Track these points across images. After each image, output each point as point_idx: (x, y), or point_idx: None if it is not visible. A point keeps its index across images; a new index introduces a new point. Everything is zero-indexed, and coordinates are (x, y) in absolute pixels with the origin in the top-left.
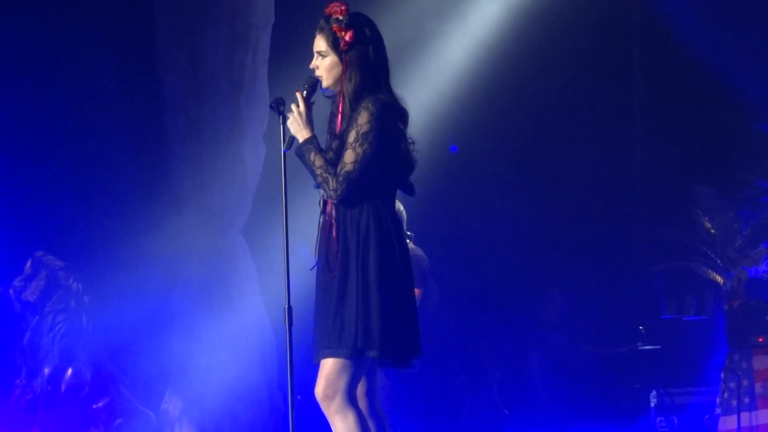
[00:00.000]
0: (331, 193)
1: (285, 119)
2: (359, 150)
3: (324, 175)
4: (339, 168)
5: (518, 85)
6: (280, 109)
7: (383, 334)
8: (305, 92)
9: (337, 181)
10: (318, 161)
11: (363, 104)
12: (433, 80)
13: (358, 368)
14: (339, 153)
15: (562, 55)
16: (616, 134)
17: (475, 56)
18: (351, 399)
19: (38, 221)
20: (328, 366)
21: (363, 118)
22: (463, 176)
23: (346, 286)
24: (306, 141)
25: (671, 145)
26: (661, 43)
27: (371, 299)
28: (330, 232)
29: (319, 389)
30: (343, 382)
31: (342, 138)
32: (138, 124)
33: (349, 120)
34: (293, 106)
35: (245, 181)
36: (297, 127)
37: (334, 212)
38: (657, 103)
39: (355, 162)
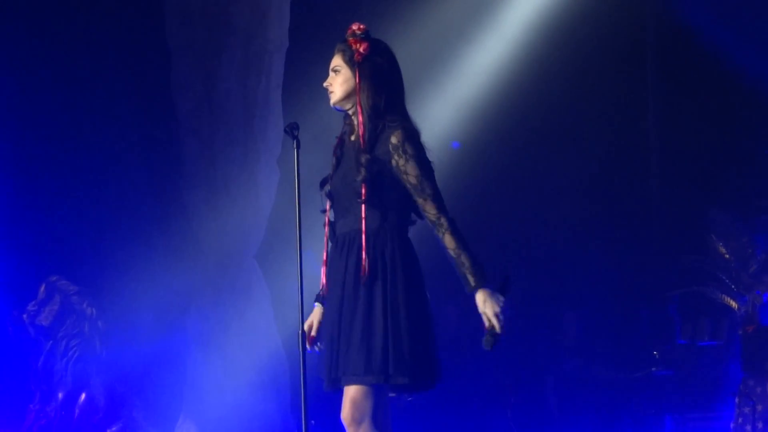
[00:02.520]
0: (447, 224)
1: (299, 144)
2: (428, 173)
3: (449, 225)
4: (433, 203)
5: (530, 113)
6: (294, 133)
7: (413, 360)
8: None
9: (445, 212)
10: (465, 253)
11: (398, 134)
12: (448, 95)
13: (383, 393)
14: (370, 169)
15: (576, 82)
16: (631, 160)
17: (491, 74)
18: (376, 423)
19: (52, 246)
20: (353, 390)
21: (411, 148)
22: (476, 197)
23: (373, 310)
24: (478, 282)
25: (686, 170)
26: (677, 66)
27: (401, 324)
28: (348, 258)
29: (346, 413)
30: (369, 407)
31: (370, 152)
32: (152, 149)
33: (373, 137)
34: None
35: (259, 206)
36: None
37: (344, 235)
38: (673, 127)
39: (433, 185)
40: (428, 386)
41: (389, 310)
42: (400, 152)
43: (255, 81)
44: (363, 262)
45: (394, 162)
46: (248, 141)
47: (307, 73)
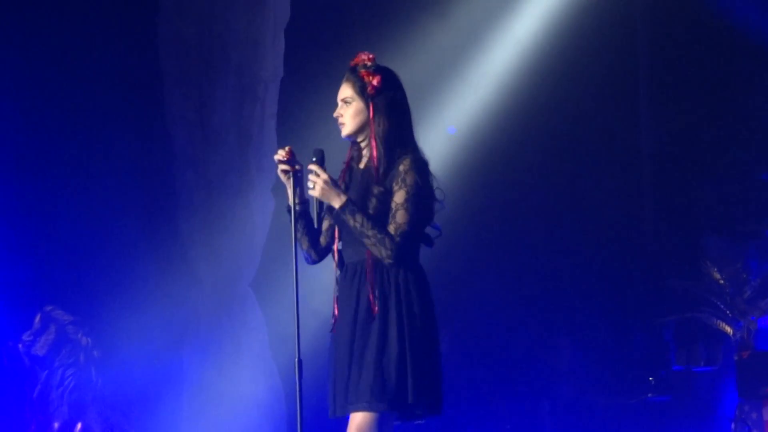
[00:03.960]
0: (388, 253)
1: (296, 174)
2: (412, 210)
3: (378, 236)
4: (393, 229)
5: (520, 141)
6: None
7: (429, 387)
8: (316, 163)
9: (393, 242)
10: (367, 222)
11: (405, 162)
12: (444, 111)
13: (389, 423)
14: (383, 200)
15: (569, 103)
16: (625, 185)
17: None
18: None
19: (47, 275)
20: (360, 418)
21: (410, 178)
22: (470, 224)
23: (387, 339)
24: (345, 204)
25: (680, 196)
26: (672, 88)
27: (417, 351)
28: (360, 288)
29: None
30: None
31: (383, 183)
32: (147, 178)
33: (386, 169)
34: (312, 177)
35: (254, 234)
36: (328, 193)
37: (354, 265)
38: (666, 152)
39: (408, 223)
40: (438, 412)
41: (406, 337)
42: (399, 180)
43: (249, 110)
44: (371, 298)
45: (395, 186)
46: (243, 170)
47: (302, 102)
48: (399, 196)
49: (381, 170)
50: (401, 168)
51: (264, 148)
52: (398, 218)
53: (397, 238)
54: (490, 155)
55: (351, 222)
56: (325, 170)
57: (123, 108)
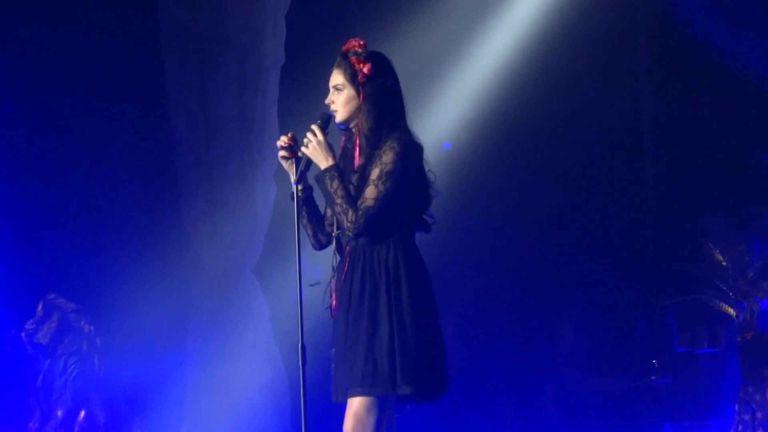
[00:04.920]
0: (348, 224)
1: (298, 160)
2: (381, 188)
3: (344, 205)
4: (359, 202)
5: (523, 124)
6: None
7: (420, 370)
8: (320, 125)
9: (356, 214)
10: (340, 191)
11: (388, 143)
12: (441, 101)
13: (386, 406)
14: (359, 187)
15: (570, 90)
16: (626, 168)
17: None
18: None
19: (50, 264)
20: (357, 403)
21: (388, 157)
22: (473, 210)
23: (377, 322)
24: (330, 168)
25: (682, 178)
26: (672, 71)
27: (407, 334)
28: (348, 270)
29: (348, 427)
30: (372, 420)
31: (361, 173)
32: (149, 165)
33: (369, 156)
34: (310, 135)
35: (256, 221)
36: (318, 154)
37: (349, 248)
38: (668, 136)
39: (375, 199)
40: (436, 396)
41: (395, 320)
42: (377, 160)
43: (251, 97)
44: (347, 275)
45: (373, 166)
46: (245, 156)
47: (303, 89)
48: (373, 173)
49: (362, 161)
50: (383, 149)
51: (265, 135)
52: (366, 193)
53: (361, 212)
54: (492, 138)
55: (328, 186)
56: (324, 134)
57: (124, 96)
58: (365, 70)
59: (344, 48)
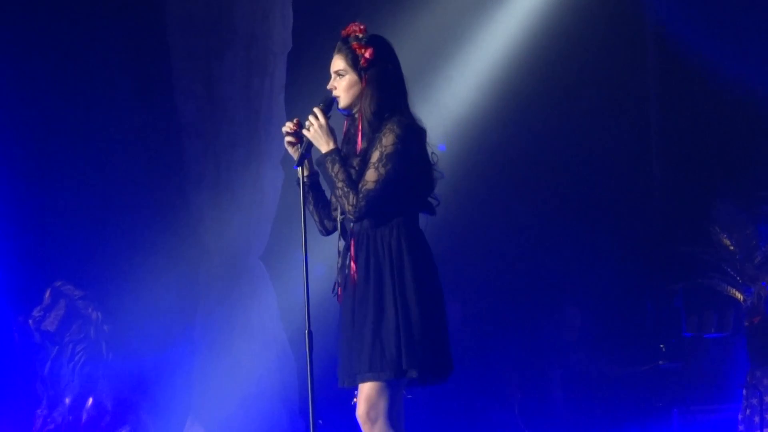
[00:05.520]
0: (350, 208)
1: (307, 148)
2: (382, 170)
3: (345, 189)
4: (360, 185)
5: (530, 106)
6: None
7: (425, 352)
8: (322, 108)
9: (357, 197)
10: (341, 174)
11: (388, 126)
12: (447, 93)
13: (398, 389)
14: (361, 171)
15: (576, 71)
16: (632, 152)
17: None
18: (392, 421)
19: (57, 251)
20: (368, 388)
21: (388, 140)
22: (480, 194)
23: (383, 306)
24: (331, 151)
25: (689, 162)
26: (677, 56)
27: (412, 318)
28: (353, 253)
29: (361, 411)
30: (384, 404)
31: (363, 157)
32: (156, 152)
33: (371, 140)
34: (311, 119)
35: (264, 207)
36: (319, 138)
37: (354, 232)
38: (674, 119)
39: (376, 181)
40: (441, 379)
41: (399, 304)
42: (377, 143)
43: (258, 83)
44: (352, 264)
45: (373, 149)
46: (252, 143)
47: (311, 75)
48: (374, 156)
49: (364, 145)
50: (383, 131)
51: (273, 121)
52: (367, 176)
53: (362, 194)
54: (500, 124)
55: (329, 170)
56: (326, 117)
57: (130, 83)
58: (367, 55)
59: (344, 33)
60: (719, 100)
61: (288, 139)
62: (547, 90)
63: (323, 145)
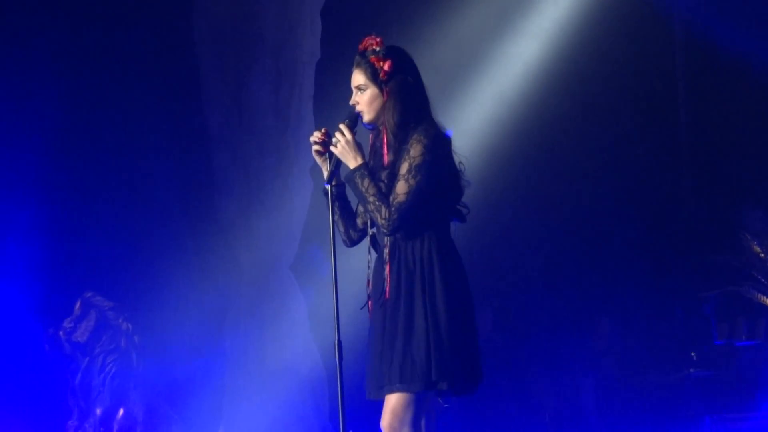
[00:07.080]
0: (383, 222)
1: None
2: (412, 182)
3: (377, 203)
4: (391, 198)
5: (560, 116)
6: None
7: (455, 365)
8: (348, 124)
9: (389, 211)
10: (372, 189)
11: (415, 136)
12: (477, 96)
13: (423, 401)
14: (390, 184)
15: (605, 79)
16: (662, 161)
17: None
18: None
19: (87, 262)
20: (394, 399)
21: (416, 150)
22: (513, 202)
23: (414, 318)
24: (359, 167)
25: (719, 169)
26: (707, 64)
27: (441, 330)
28: (385, 266)
29: (386, 423)
30: (410, 416)
31: (391, 169)
32: (185, 163)
33: (397, 151)
34: (338, 135)
35: (293, 217)
36: (346, 153)
37: (388, 245)
38: (704, 126)
39: (407, 193)
40: (471, 391)
41: (429, 316)
42: (405, 154)
43: (287, 92)
44: (387, 278)
45: (402, 161)
46: (281, 152)
47: (339, 84)
48: (402, 168)
49: (391, 157)
50: (410, 143)
51: (301, 130)
52: (397, 188)
53: (393, 208)
54: (528, 132)
55: (359, 185)
56: (353, 133)
57: (160, 95)
58: (386, 67)
59: (361, 47)
60: (749, 108)
61: (315, 148)
62: (575, 100)
63: (351, 160)
